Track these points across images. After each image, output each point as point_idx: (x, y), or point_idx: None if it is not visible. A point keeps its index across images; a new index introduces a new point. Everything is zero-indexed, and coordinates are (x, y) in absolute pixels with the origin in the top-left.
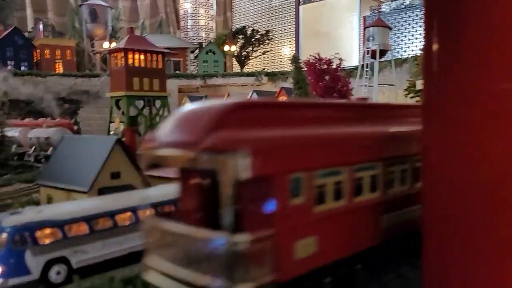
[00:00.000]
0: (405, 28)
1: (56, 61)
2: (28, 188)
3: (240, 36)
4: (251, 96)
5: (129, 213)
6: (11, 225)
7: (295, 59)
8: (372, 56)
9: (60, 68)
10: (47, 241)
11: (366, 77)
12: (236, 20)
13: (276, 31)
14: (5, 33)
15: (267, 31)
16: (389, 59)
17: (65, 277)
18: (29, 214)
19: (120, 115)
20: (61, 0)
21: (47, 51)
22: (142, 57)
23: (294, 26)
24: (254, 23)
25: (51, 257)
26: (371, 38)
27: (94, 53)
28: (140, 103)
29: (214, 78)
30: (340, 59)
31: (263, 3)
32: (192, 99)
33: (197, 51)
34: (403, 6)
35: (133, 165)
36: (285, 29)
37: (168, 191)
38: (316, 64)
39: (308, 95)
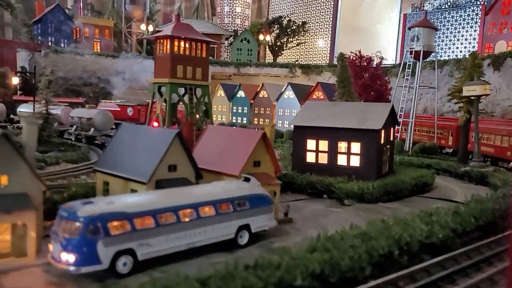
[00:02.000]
0: (447, 28)
1: (95, 40)
2: (75, 169)
3: (276, 26)
4: (285, 89)
5: (191, 210)
6: (86, 215)
7: (341, 57)
8: (414, 57)
9: (97, 48)
10: (117, 232)
11: (407, 78)
12: (272, 9)
13: (312, 22)
14: (47, 9)
15: (304, 23)
16: (430, 60)
17: (130, 268)
18: (101, 205)
19: (162, 102)
20: None
21: (86, 30)
22: (187, 45)
23: (331, 19)
24: (291, 13)
25: (120, 248)
26: (415, 39)
27: (141, 37)
28: (181, 91)
29: (247, 67)
30: (381, 58)
31: None
32: (225, 86)
33: (231, 38)
34: (447, 6)
35: (188, 158)
36: (321, 22)
37: (227, 188)
38: (357, 61)
39: (351, 94)
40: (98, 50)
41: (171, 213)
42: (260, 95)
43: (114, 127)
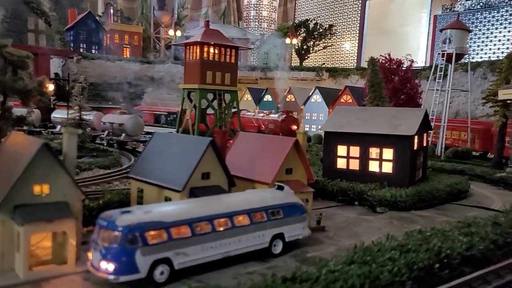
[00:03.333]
0: (479, 30)
1: (124, 46)
2: (107, 174)
3: (302, 29)
4: (313, 93)
5: (226, 219)
6: (124, 225)
7: (372, 61)
8: (446, 59)
9: (127, 53)
10: (154, 241)
11: (438, 81)
12: (298, 12)
13: (339, 25)
14: (80, 17)
15: (330, 25)
16: (462, 62)
17: (167, 277)
18: (139, 214)
19: (191, 107)
20: None
21: (116, 36)
22: (216, 50)
23: (358, 21)
24: (317, 16)
25: (157, 257)
26: (447, 41)
27: (170, 44)
28: (210, 96)
29: (274, 71)
30: (411, 61)
31: None
32: (252, 90)
33: (257, 42)
34: (479, 6)
35: (221, 166)
36: (348, 24)
37: (261, 196)
38: (386, 64)
39: (382, 98)
40: (128, 55)
41: (206, 222)
42: (287, 99)
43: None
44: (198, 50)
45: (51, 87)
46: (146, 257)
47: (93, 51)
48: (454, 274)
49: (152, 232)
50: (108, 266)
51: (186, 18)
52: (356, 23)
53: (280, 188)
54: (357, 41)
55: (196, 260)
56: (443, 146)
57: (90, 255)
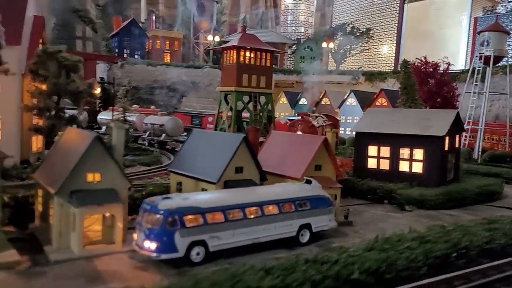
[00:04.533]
0: None
1: (165, 51)
2: (148, 171)
3: (339, 33)
4: (348, 96)
5: (256, 208)
6: (166, 208)
7: (404, 64)
8: (484, 62)
9: (167, 58)
10: (191, 225)
11: (475, 84)
12: (336, 16)
13: (376, 29)
14: (124, 24)
15: (368, 29)
16: (502, 65)
17: (202, 258)
18: (178, 200)
19: (227, 109)
20: None
21: (158, 42)
22: (252, 55)
23: (396, 24)
24: (355, 20)
25: (194, 239)
26: (485, 43)
27: (209, 48)
28: (246, 98)
29: (310, 74)
30: (448, 63)
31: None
32: (288, 94)
33: (294, 46)
34: None
35: (253, 161)
36: (386, 28)
37: (289, 189)
38: (422, 67)
39: (415, 101)
40: (168, 60)
41: (238, 210)
42: (322, 102)
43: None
44: (234, 54)
45: (98, 90)
46: (184, 238)
47: (136, 56)
48: (471, 265)
49: (189, 216)
50: (151, 245)
51: (224, 23)
52: (394, 26)
53: (308, 182)
54: (394, 44)
55: (228, 244)
56: (480, 150)
57: (135, 235)
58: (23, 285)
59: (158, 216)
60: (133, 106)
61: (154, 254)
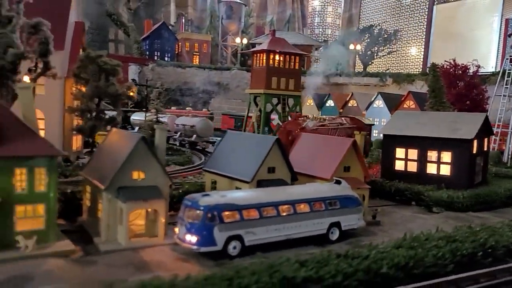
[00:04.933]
0: None
1: (194, 53)
2: (182, 170)
3: (366, 35)
4: (375, 98)
5: (289, 206)
6: (206, 205)
7: (433, 67)
8: None
9: (196, 60)
10: (229, 220)
11: (506, 87)
12: (363, 18)
13: (405, 30)
14: (155, 27)
15: (396, 31)
16: None
17: (239, 251)
18: (216, 197)
19: (257, 111)
20: None
21: (187, 44)
22: (281, 58)
23: (424, 26)
24: (382, 22)
25: (231, 234)
26: None
27: (240, 51)
28: (275, 100)
29: (337, 76)
30: (478, 66)
31: (393, 1)
32: (314, 95)
33: (321, 48)
34: None
35: (285, 161)
36: (414, 29)
37: (319, 188)
38: (451, 70)
39: (443, 104)
40: (197, 62)
41: (272, 207)
42: (350, 104)
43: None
44: (264, 58)
45: (134, 92)
46: (222, 232)
47: (166, 58)
48: (498, 264)
49: (227, 212)
50: (191, 239)
51: (252, 26)
52: (423, 28)
53: (338, 182)
54: (423, 46)
55: (262, 239)
56: (510, 153)
57: (176, 229)
58: (79, 271)
59: (198, 211)
60: (187, 108)
61: (195, 247)
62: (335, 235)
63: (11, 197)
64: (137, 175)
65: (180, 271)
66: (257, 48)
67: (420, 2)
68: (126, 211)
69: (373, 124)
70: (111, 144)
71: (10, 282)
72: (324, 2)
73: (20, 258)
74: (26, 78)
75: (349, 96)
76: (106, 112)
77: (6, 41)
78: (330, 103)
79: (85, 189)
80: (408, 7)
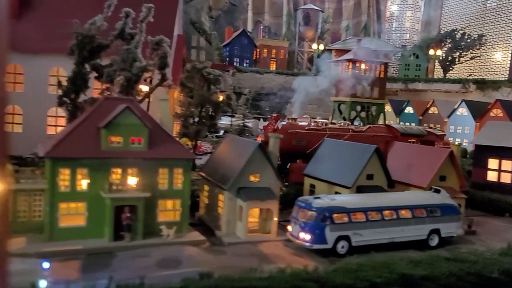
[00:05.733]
0: None
1: (271, 59)
2: None
3: (448, 40)
4: (458, 106)
5: (392, 211)
6: (319, 207)
7: None
8: None
9: (273, 66)
10: (339, 221)
11: None
12: (444, 22)
13: (490, 35)
14: (235, 34)
15: (480, 35)
16: None
17: (346, 251)
18: (327, 200)
19: (341, 118)
20: (276, 4)
21: (265, 50)
22: (366, 66)
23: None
24: (465, 26)
25: (340, 234)
26: None
27: (311, 57)
28: (358, 107)
29: (416, 82)
30: None
31: (477, 4)
32: (392, 102)
33: (399, 53)
34: None
35: (383, 169)
36: (500, 33)
37: (420, 196)
38: None
39: None
40: (274, 68)
41: (377, 212)
42: (430, 111)
43: None
44: (350, 67)
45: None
46: (333, 232)
47: (245, 64)
48: None
49: (337, 214)
50: (305, 236)
51: (328, 32)
52: (510, 32)
53: (437, 191)
54: (510, 51)
55: (368, 241)
56: None
57: (289, 227)
58: (213, 258)
59: (311, 212)
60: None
61: (308, 244)
62: (434, 241)
63: (155, 192)
64: (253, 177)
65: (297, 264)
66: (343, 57)
67: (508, 5)
68: (246, 209)
69: (444, 134)
70: (228, 149)
71: (165, 262)
72: (403, 7)
73: (163, 244)
74: (145, 87)
75: (430, 103)
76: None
77: (132, 56)
78: (409, 109)
79: (203, 187)
80: (494, 10)
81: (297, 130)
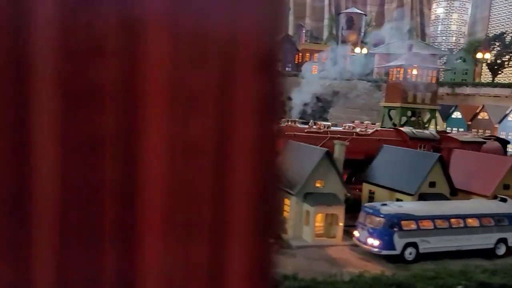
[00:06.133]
0: None
1: (313, 63)
2: None
3: (497, 43)
4: (511, 111)
5: (459, 219)
6: (387, 213)
7: None
8: None
9: (315, 70)
10: (407, 228)
11: None
12: (493, 24)
13: None
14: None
15: None
16: None
17: (414, 257)
18: (395, 207)
19: (391, 124)
20: (318, 8)
21: (307, 55)
22: (418, 72)
23: None
24: None
25: (408, 241)
26: None
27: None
28: (408, 112)
29: (463, 87)
30: None
31: None
32: (439, 107)
33: (445, 57)
34: None
35: (445, 177)
36: None
37: (487, 205)
38: None
39: None
40: (316, 72)
41: (444, 220)
42: (479, 117)
43: None
44: (401, 72)
45: None
46: (401, 239)
47: (287, 69)
48: None
49: (405, 222)
50: (373, 242)
51: (370, 35)
52: None
53: (503, 200)
54: None
55: (435, 248)
56: None
57: (356, 233)
58: (284, 260)
59: (379, 219)
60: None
61: (376, 250)
62: (501, 250)
63: None
64: (319, 183)
65: (366, 269)
66: (394, 63)
67: None
68: (314, 213)
69: (479, 141)
70: (293, 155)
71: None
72: (449, 10)
73: None
74: None
75: (480, 108)
76: None
77: None
78: (456, 114)
79: None
80: None
81: (295, 133)
